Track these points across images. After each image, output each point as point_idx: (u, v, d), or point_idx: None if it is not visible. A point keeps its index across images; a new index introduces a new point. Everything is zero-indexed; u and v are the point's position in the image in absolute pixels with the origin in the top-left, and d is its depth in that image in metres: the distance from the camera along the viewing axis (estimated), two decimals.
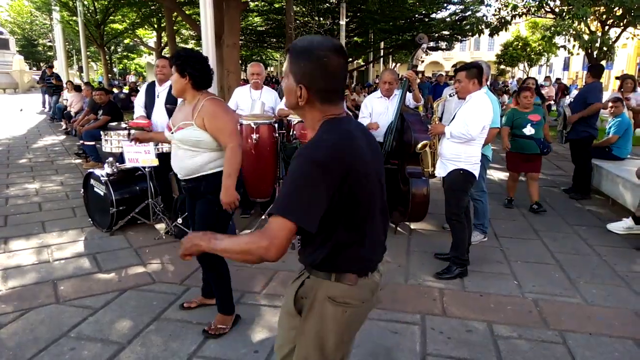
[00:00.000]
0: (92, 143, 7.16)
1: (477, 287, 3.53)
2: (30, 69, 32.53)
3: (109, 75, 21.36)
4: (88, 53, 18.69)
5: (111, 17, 18.18)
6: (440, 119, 4.38)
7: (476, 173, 3.59)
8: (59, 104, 13.40)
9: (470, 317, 3.08)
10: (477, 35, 14.15)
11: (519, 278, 3.69)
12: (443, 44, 21.21)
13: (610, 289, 3.53)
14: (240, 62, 10.95)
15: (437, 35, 19.20)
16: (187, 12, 12.61)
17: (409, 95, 4.60)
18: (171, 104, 4.17)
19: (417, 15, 18.42)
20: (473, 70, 3.51)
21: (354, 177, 1.35)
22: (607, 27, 12.25)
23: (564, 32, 11.32)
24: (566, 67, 31.83)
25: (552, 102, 15.19)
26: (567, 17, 10.88)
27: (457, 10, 18.36)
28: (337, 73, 1.39)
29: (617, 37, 12.42)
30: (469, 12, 17.82)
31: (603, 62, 11.88)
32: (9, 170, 7.33)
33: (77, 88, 11.33)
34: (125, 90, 16.88)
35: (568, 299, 3.37)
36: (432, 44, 19.52)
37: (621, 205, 5.47)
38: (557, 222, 5.09)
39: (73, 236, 4.47)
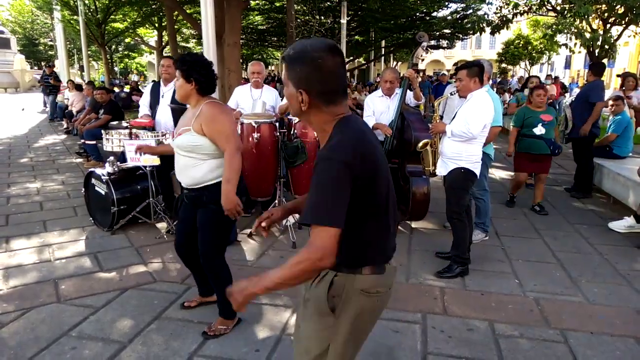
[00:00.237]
0: (93, 142, 7.17)
1: (478, 285, 3.53)
2: (31, 68, 32.57)
3: (110, 74, 21.36)
4: (89, 52, 18.73)
5: (112, 16, 18.20)
6: (441, 118, 4.37)
7: (477, 171, 3.59)
8: (60, 103, 13.40)
9: (471, 316, 3.07)
10: (478, 33, 14.12)
11: (520, 277, 3.69)
12: (444, 43, 21.20)
13: (611, 288, 3.52)
14: (241, 61, 10.94)
15: (438, 33, 19.19)
16: (188, 11, 12.61)
17: (409, 94, 4.60)
18: (175, 103, 4.18)
19: (418, 14, 18.43)
20: (474, 69, 3.50)
21: (375, 173, 1.40)
22: (608, 25, 12.21)
23: (565, 30, 11.30)
24: (568, 65, 31.79)
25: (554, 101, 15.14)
26: (569, 15, 10.86)
27: (459, 9, 18.34)
28: (334, 72, 1.38)
29: (619, 35, 12.38)
30: (470, 11, 17.80)
31: (605, 61, 11.85)
32: (10, 169, 7.34)
33: (79, 87, 11.35)
34: (127, 89, 16.87)
35: (569, 298, 3.37)
36: (433, 42, 19.50)
37: (622, 204, 5.46)
38: (558, 220, 5.08)
39: (74, 235, 4.48)
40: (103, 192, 4.50)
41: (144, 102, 4.82)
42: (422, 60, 4.76)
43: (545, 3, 12.84)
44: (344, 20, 14.04)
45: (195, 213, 2.79)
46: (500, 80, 22.99)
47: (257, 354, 2.65)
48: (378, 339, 2.78)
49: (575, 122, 5.95)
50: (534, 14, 14.33)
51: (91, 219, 4.77)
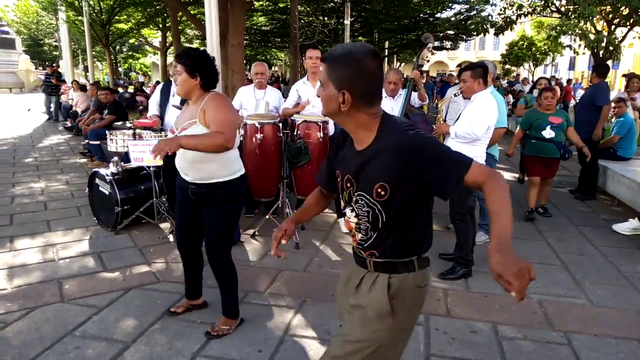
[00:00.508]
0: (97, 142, 7.20)
1: (482, 287, 3.52)
2: (36, 68, 32.69)
3: (114, 75, 21.43)
4: (93, 53, 18.78)
5: (116, 17, 18.26)
6: (444, 120, 4.36)
7: None
8: (64, 104, 13.44)
9: (474, 318, 3.07)
10: (482, 34, 14.11)
11: None
12: (448, 44, 21.19)
13: (615, 290, 3.51)
14: (244, 61, 10.96)
15: (442, 34, 19.17)
16: (192, 11, 12.64)
17: (414, 95, 4.60)
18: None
19: (421, 15, 18.40)
20: (478, 70, 3.49)
21: None
22: (613, 27, 12.17)
23: (569, 32, 11.26)
24: (572, 66, 31.66)
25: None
26: (573, 16, 10.84)
27: (462, 10, 18.33)
28: (375, 75, 1.44)
29: (624, 37, 12.34)
30: (474, 12, 17.79)
31: (609, 62, 11.81)
32: (15, 169, 7.38)
33: (83, 88, 11.39)
34: (131, 89, 16.91)
35: (573, 300, 3.35)
36: (437, 43, 19.46)
37: (627, 205, 5.43)
38: (562, 222, 5.07)
39: (78, 235, 4.49)
40: (107, 192, 4.51)
41: (154, 101, 4.84)
42: (428, 61, 4.74)
43: (550, 4, 12.83)
44: (347, 21, 14.02)
45: (196, 210, 2.74)
46: (510, 81, 22.88)
47: (260, 354, 2.65)
48: None
49: (579, 124, 5.90)
50: (538, 15, 14.30)
51: (95, 218, 4.79)
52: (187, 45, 24.64)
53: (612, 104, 6.00)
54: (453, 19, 18.81)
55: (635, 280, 3.66)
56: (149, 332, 2.85)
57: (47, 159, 8.19)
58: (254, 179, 4.47)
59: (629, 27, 12.07)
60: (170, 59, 23.47)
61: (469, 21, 17.96)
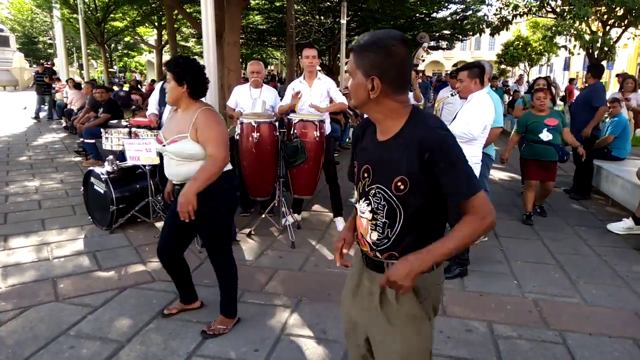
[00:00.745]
0: (92, 141, 7.16)
1: (477, 286, 3.53)
2: (30, 66, 32.51)
3: (109, 73, 21.34)
4: (88, 51, 18.67)
5: (112, 15, 18.16)
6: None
7: (477, 172, 3.59)
8: (58, 102, 13.35)
9: (470, 317, 3.08)
10: (478, 34, 14.14)
11: (519, 278, 3.69)
12: (444, 43, 21.22)
13: (610, 289, 3.53)
14: (240, 60, 10.93)
15: (437, 34, 19.20)
16: (187, 10, 12.60)
17: (410, 95, 4.60)
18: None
19: (417, 15, 18.43)
20: (475, 70, 3.50)
21: None
22: (608, 27, 12.23)
23: (565, 32, 11.31)
24: (567, 67, 31.79)
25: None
26: (569, 17, 10.88)
27: (458, 10, 18.36)
28: (405, 61, 1.41)
29: (618, 38, 12.40)
30: (470, 12, 17.83)
31: (604, 63, 11.87)
32: (9, 167, 7.33)
33: (78, 86, 11.33)
34: (126, 88, 16.85)
35: (568, 299, 3.37)
36: (432, 43, 19.52)
37: (621, 205, 5.47)
38: (557, 222, 5.09)
39: (73, 234, 4.47)
40: (102, 191, 4.49)
41: (153, 100, 4.82)
42: (423, 61, 4.75)
43: (545, 5, 12.87)
44: (343, 21, 14.02)
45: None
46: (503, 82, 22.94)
47: (256, 353, 2.65)
48: None
49: (575, 125, 5.92)
50: (534, 15, 14.36)
51: (90, 217, 4.76)
52: (182, 43, 24.58)
53: (607, 104, 6.02)
54: (449, 18, 18.85)
55: (630, 280, 3.69)
56: (144, 332, 2.84)
57: (41, 158, 8.15)
58: (250, 178, 4.47)
59: (623, 27, 12.13)
60: (165, 57, 23.38)
61: (465, 21, 18.00)
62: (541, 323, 3.03)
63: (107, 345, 2.70)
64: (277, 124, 4.49)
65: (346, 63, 17.97)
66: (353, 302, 1.64)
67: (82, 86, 10.87)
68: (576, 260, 4.08)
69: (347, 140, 10.02)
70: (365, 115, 1.56)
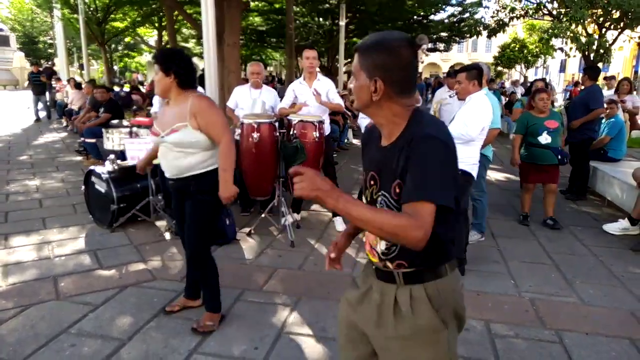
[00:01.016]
0: (93, 140, 7.18)
1: (475, 286, 3.56)
2: (30, 65, 32.49)
3: (110, 73, 21.35)
4: (89, 51, 18.69)
5: (112, 15, 18.19)
6: None
7: (474, 173, 3.62)
8: (59, 102, 13.34)
9: (467, 316, 3.01)
10: (475, 36, 14.20)
11: (515, 278, 3.73)
12: (441, 46, 21.28)
13: (606, 289, 3.56)
14: (240, 61, 10.96)
15: (435, 36, 19.26)
16: (188, 11, 12.61)
17: None
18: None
19: (415, 17, 18.48)
20: (473, 72, 3.54)
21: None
22: (604, 30, 12.30)
23: (561, 35, 11.37)
24: (562, 69, 31.88)
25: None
26: (565, 19, 10.94)
27: (455, 12, 18.43)
28: (410, 62, 1.36)
29: (614, 40, 12.47)
30: (467, 14, 17.89)
31: (599, 65, 11.93)
32: (10, 166, 7.34)
33: (78, 85, 11.35)
34: (126, 88, 16.86)
35: (564, 299, 3.40)
36: (430, 45, 19.58)
37: (616, 206, 5.51)
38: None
39: (74, 233, 4.49)
40: (103, 190, 4.52)
41: (157, 99, 4.86)
42: (422, 62, 4.78)
43: (542, 7, 12.94)
44: (342, 23, 14.08)
45: (184, 205, 2.78)
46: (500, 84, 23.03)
47: (256, 351, 2.68)
48: None
49: (571, 127, 5.96)
50: (530, 18, 14.42)
51: (91, 216, 4.78)
52: (182, 44, 24.59)
53: (604, 105, 6.05)
54: (446, 21, 18.93)
55: (626, 280, 3.72)
56: (145, 330, 2.87)
57: (42, 157, 8.16)
58: (250, 178, 4.51)
59: (619, 30, 12.20)
60: None
61: (462, 23, 18.07)
62: (538, 322, 3.06)
63: (108, 343, 2.73)
64: (277, 124, 4.52)
65: (345, 64, 17.93)
66: (359, 310, 1.55)
67: (83, 86, 10.89)
68: (572, 260, 4.11)
69: (346, 141, 10.05)
70: (362, 118, 1.54)
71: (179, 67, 2.56)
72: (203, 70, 5.37)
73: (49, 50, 36.25)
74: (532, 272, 3.84)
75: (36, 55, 36.66)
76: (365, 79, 1.37)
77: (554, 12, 12.70)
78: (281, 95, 5.20)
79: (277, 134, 4.46)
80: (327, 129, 4.76)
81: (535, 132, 4.82)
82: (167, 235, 4.40)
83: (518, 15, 13.36)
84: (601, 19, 12.03)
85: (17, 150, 8.82)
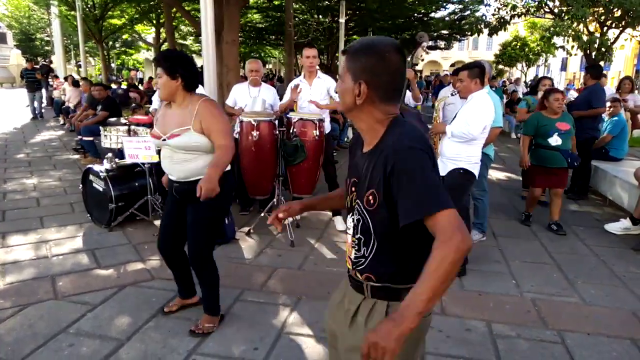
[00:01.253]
0: (91, 139, 7.15)
1: (476, 286, 3.54)
2: (28, 62, 32.37)
3: (107, 70, 21.29)
4: (86, 48, 18.62)
5: (110, 12, 18.14)
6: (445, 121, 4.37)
7: (476, 172, 3.60)
8: (56, 99, 13.27)
9: (469, 316, 3.09)
10: (476, 34, 14.17)
11: (517, 277, 3.71)
12: (442, 43, 21.28)
13: (608, 289, 3.55)
14: (239, 59, 10.92)
15: (435, 34, 19.25)
16: (186, 8, 12.57)
17: (408, 95, 4.61)
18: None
19: (416, 14, 18.46)
20: (475, 70, 3.51)
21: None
22: (605, 28, 12.27)
23: (563, 33, 11.34)
24: (564, 67, 31.90)
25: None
26: (567, 17, 10.91)
27: (456, 10, 18.40)
28: (397, 69, 1.34)
29: (616, 38, 12.44)
30: (468, 12, 17.87)
31: (601, 63, 11.91)
32: (7, 165, 7.30)
33: (76, 83, 11.29)
34: (124, 85, 16.81)
35: (566, 299, 3.39)
36: (430, 43, 19.57)
37: (618, 205, 5.49)
38: None
39: (71, 232, 4.46)
40: (101, 189, 4.48)
41: (157, 97, 4.83)
42: (422, 60, 4.74)
43: (543, 5, 12.91)
44: (342, 20, 14.03)
45: (182, 210, 2.75)
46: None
47: (255, 352, 2.65)
48: None
49: (575, 127, 5.91)
50: (532, 16, 14.39)
51: (88, 215, 4.75)
52: (181, 41, 24.52)
53: (608, 104, 6.01)
54: (447, 18, 18.90)
55: (627, 280, 3.71)
56: (144, 330, 2.84)
57: (39, 155, 8.12)
58: (249, 176, 4.48)
59: (621, 28, 12.18)
60: None
61: (463, 21, 18.06)
62: (539, 322, 3.04)
63: (106, 343, 2.70)
64: (276, 122, 4.49)
65: None
66: (335, 315, 1.55)
67: (81, 84, 10.83)
68: (574, 260, 4.09)
69: (346, 139, 10.02)
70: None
71: (185, 70, 2.52)
72: (201, 67, 5.33)
73: (46, 48, 36.16)
74: (534, 272, 3.82)
75: (33, 52, 36.57)
76: (351, 82, 1.35)
77: (556, 10, 12.65)
78: (280, 94, 5.17)
79: (277, 132, 4.43)
80: (327, 127, 4.73)
81: (545, 133, 4.62)
82: None
83: (519, 13, 13.33)
84: (602, 17, 12.00)
85: (14, 148, 8.78)
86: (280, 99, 5.05)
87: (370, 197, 1.32)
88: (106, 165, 4.56)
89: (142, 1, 16.47)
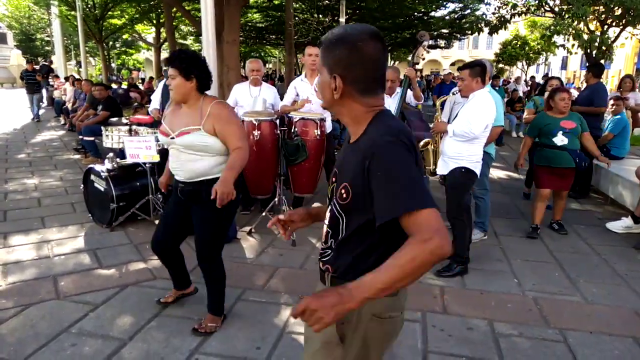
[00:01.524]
0: (92, 138, 7.14)
1: (478, 284, 3.54)
2: (27, 63, 32.38)
3: (107, 70, 21.30)
4: (86, 48, 18.62)
5: (110, 12, 18.15)
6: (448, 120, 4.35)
7: (478, 171, 3.60)
8: (57, 99, 13.27)
9: (471, 315, 3.09)
10: (476, 33, 14.14)
11: (518, 276, 3.70)
12: (442, 42, 21.28)
13: (609, 288, 3.55)
14: (239, 58, 10.93)
15: (436, 33, 19.25)
16: (186, 7, 12.57)
17: (409, 94, 4.60)
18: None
19: (416, 13, 18.46)
20: (476, 69, 3.50)
21: (419, 167, 1.28)
22: (606, 27, 12.25)
23: (563, 32, 11.32)
24: (564, 66, 31.88)
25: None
26: (567, 16, 10.89)
27: (457, 9, 18.40)
28: (373, 59, 1.26)
29: (616, 37, 12.43)
30: (469, 11, 17.87)
31: (601, 62, 11.90)
32: (8, 165, 7.30)
33: (74, 82, 11.30)
34: (124, 85, 16.82)
35: (568, 298, 3.38)
36: (431, 42, 19.56)
37: (619, 204, 5.49)
38: None
39: (73, 232, 4.46)
40: (102, 189, 4.48)
41: (156, 97, 4.82)
42: (423, 59, 4.73)
43: (543, 4, 12.88)
44: (342, 19, 14.03)
45: (185, 211, 2.73)
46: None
47: (257, 351, 2.65)
48: None
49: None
50: (532, 14, 14.37)
51: (90, 215, 4.75)
52: (181, 41, 24.51)
53: (611, 102, 5.99)
54: (447, 17, 18.89)
55: (629, 279, 3.70)
56: (146, 329, 2.84)
57: (40, 155, 8.12)
58: (250, 176, 4.46)
59: (621, 27, 12.16)
60: (164, 55, 23.31)
61: (463, 20, 18.05)
62: (541, 321, 3.04)
63: (109, 343, 2.70)
64: (277, 122, 4.49)
65: None
66: None
67: (82, 83, 10.83)
68: (575, 258, 4.09)
69: None
70: None
71: (200, 71, 2.50)
72: None
73: (46, 48, 36.16)
74: (535, 270, 3.82)
75: (33, 52, 36.59)
76: (327, 76, 1.29)
77: (556, 9, 12.64)
78: (280, 93, 5.17)
79: (278, 131, 4.43)
80: (328, 126, 4.73)
81: (549, 132, 4.44)
82: None
83: (520, 12, 13.30)
84: (603, 15, 11.98)
85: (15, 148, 8.78)
86: (281, 99, 5.05)
87: (343, 191, 1.28)
88: (107, 165, 4.56)
89: (142, 1, 16.48)
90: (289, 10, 12.65)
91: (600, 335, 2.88)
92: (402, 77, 4.48)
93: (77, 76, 15.12)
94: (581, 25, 11.54)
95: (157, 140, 4.19)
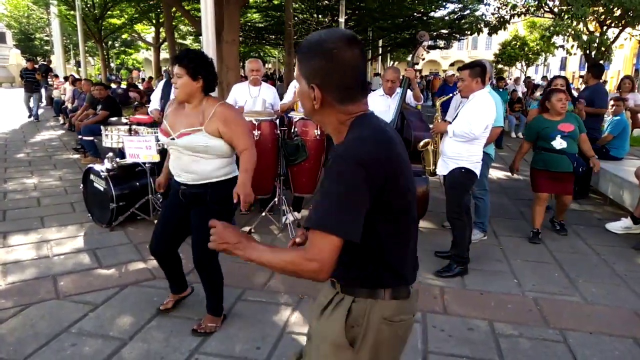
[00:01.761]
0: (91, 138, 7.13)
1: (478, 285, 3.54)
2: (26, 62, 32.35)
3: (107, 70, 21.28)
4: (86, 48, 18.60)
5: (109, 12, 18.14)
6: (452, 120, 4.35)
7: (477, 171, 3.60)
8: (56, 99, 13.25)
9: (471, 315, 3.09)
10: (475, 34, 14.16)
11: (518, 277, 3.71)
12: (441, 43, 21.29)
13: (609, 288, 3.55)
14: (239, 58, 10.92)
15: (435, 33, 19.26)
16: (186, 7, 12.56)
17: (409, 94, 4.60)
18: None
19: (415, 14, 18.48)
20: (477, 69, 3.50)
21: (395, 177, 1.23)
22: (605, 28, 12.28)
23: (562, 32, 11.34)
24: (563, 66, 31.93)
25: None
26: (566, 17, 10.91)
27: (456, 9, 18.42)
28: (350, 65, 1.22)
29: (616, 38, 12.45)
30: (468, 11, 17.89)
31: (601, 62, 11.92)
32: (7, 164, 7.29)
33: (67, 79, 11.28)
34: (123, 85, 16.80)
35: (568, 298, 3.39)
36: (430, 42, 19.58)
37: (619, 204, 5.49)
38: None
39: (72, 231, 4.45)
40: (102, 189, 4.48)
41: (156, 97, 4.82)
42: (423, 59, 4.73)
43: (543, 5, 12.90)
44: (342, 19, 14.04)
45: (184, 213, 2.71)
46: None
47: (258, 351, 2.65)
48: None
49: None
50: (532, 15, 14.39)
51: (89, 215, 4.74)
52: (180, 41, 24.50)
53: (612, 102, 5.99)
54: (447, 18, 18.91)
55: (629, 279, 3.71)
56: (146, 329, 2.84)
57: (39, 155, 8.11)
58: None
59: (620, 28, 12.18)
60: (163, 54, 23.32)
61: (463, 20, 18.06)
62: (541, 321, 3.05)
63: (109, 342, 2.70)
64: (277, 122, 4.49)
65: None
66: (313, 310, 1.53)
67: (82, 82, 10.83)
68: (575, 259, 4.10)
69: None
70: None
71: (207, 71, 2.49)
72: None
73: (46, 47, 36.09)
74: (535, 271, 3.83)
75: (32, 52, 36.53)
76: (305, 86, 1.26)
77: (555, 10, 12.66)
78: (280, 93, 5.17)
79: (278, 131, 4.43)
80: None
81: (547, 136, 4.32)
82: None
83: (519, 13, 13.32)
84: (602, 16, 12.00)
85: (14, 148, 8.77)
86: (281, 99, 5.05)
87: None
88: (107, 164, 4.55)
89: (142, 1, 16.48)
90: (288, 11, 12.65)
91: (600, 336, 2.89)
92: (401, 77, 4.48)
93: (76, 76, 15.08)
94: (580, 26, 11.56)
95: (157, 140, 4.19)
